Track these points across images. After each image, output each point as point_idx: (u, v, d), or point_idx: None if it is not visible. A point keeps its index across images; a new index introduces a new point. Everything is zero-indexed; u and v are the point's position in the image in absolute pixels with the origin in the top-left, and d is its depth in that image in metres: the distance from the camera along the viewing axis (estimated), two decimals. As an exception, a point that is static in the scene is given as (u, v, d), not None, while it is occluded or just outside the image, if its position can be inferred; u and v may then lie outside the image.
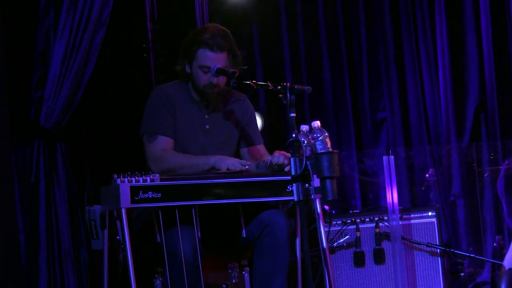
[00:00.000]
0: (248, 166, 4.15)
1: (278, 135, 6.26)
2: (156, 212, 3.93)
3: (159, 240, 3.95)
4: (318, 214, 3.91)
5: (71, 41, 4.66)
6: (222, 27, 4.38)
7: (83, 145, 5.33)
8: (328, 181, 3.55)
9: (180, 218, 3.94)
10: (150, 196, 3.84)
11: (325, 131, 3.66)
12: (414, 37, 6.44)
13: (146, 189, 3.84)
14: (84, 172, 5.26)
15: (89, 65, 4.76)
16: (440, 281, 5.27)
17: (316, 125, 3.67)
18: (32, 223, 4.62)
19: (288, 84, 3.74)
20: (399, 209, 5.29)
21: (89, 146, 5.38)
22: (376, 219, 5.30)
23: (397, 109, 6.50)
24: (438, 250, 5.27)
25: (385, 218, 5.30)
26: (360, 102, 6.58)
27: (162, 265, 4.05)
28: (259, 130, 4.65)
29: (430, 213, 5.34)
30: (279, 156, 4.11)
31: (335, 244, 5.31)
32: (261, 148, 4.51)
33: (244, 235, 4.14)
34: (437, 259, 5.29)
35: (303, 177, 3.56)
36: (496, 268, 5.73)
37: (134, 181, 3.83)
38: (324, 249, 3.92)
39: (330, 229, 5.30)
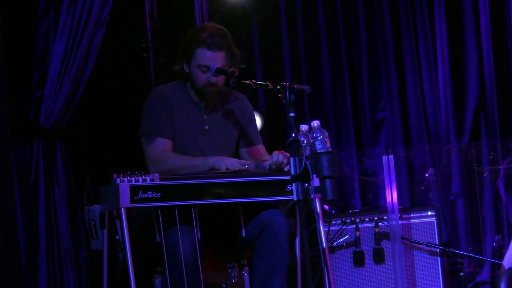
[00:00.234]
0: (247, 165, 4.15)
1: (278, 135, 6.25)
2: (155, 212, 3.92)
3: (158, 239, 3.94)
4: (317, 213, 3.91)
5: (70, 40, 4.66)
6: (220, 26, 4.38)
7: (83, 145, 5.33)
8: (327, 181, 3.55)
9: (180, 218, 3.93)
10: (150, 196, 3.84)
11: (325, 130, 3.65)
12: (413, 36, 6.43)
13: (145, 188, 3.83)
14: (83, 171, 5.26)
15: (89, 65, 4.76)
16: (439, 281, 5.26)
17: (315, 124, 3.66)
18: (32, 222, 4.61)
19: (287, 83, 3.74)
20: (399, 208, 5.29)
21: (88, 146, 5.38)
22: (376, 218, 5.30)
23: (396, 109, 6.49)
24: (438, 250, 5.27)
25: (385, 217, 5.29)
26: (359, 102, 6.57)
27: (161, 265, 4.04)
28: (259, 130, 4.65)
29: (429, 213, 5.33)
30: (279, 155, 4.11)
31: (334, 244, 5.30)
32: (261, 148, 4.50)
33: (244, 235, 4.13)
34: (437, 259, 5.28)
35: (302, 177, 3.56)
36: (496, 267, 5.73)
37: (133, 181, 3.83)
38: (323, 249, 3.91)
39: (330, 228, 5.29)
